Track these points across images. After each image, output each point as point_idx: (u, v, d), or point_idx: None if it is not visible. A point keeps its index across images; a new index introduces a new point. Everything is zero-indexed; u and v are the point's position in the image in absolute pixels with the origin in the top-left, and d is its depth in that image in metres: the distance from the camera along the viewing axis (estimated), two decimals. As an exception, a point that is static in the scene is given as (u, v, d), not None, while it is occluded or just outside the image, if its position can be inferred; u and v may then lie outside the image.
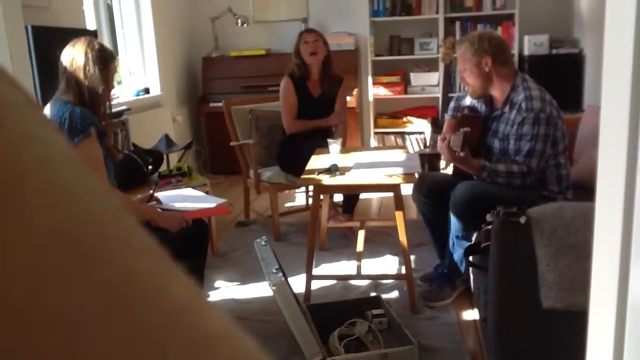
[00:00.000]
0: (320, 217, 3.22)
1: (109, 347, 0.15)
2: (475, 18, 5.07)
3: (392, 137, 5.35)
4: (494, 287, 1.88)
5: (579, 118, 3.23)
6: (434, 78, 5.19)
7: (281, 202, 4.05)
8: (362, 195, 3.97)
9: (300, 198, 4.43)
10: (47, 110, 2.16)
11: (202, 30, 5.53)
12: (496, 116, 2.58)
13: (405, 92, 5.27)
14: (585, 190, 2.33)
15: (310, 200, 3.52)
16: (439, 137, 2.65)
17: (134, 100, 4.36)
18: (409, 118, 5.32)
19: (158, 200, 2.51)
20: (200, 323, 0.17)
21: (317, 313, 2.29)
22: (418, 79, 5.23)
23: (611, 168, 0.83)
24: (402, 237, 2.56)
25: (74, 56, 2.15)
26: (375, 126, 5.34)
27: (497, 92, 2.57)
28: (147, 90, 4.73)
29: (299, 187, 3.80)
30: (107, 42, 4.24)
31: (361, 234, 3.10)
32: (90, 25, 4.03)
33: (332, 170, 2.69)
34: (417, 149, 5.18)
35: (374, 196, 4.39)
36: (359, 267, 2.90)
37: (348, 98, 4.18)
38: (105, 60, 2.18)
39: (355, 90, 5.09)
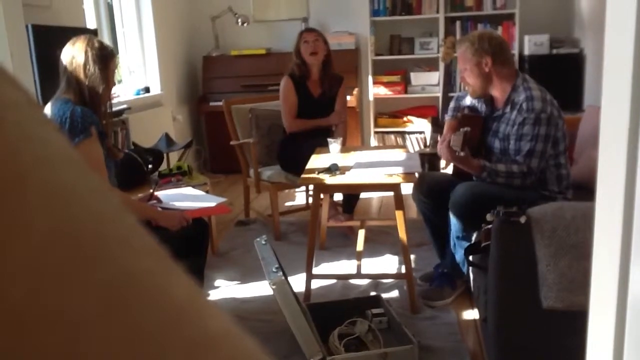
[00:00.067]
0: (320, 216, 3.22)
1: (109, 347, 0.15)
2: (475, 18, 5.07)
3: (392, 136, 5.35)
4: (494, 287, 1.88)
5: (579, 118, 3.23)
6: (434, 78, 5.19)
7: (281, 201, 4.05)
8: (362, 195, 3.97)
9: (300, 197, 4.43)
10: (48, 109, 2.15)
11: (203, 29, 5.53)
12: (497, 116, 2.58)
13: (406, 92, 5.27)
14: (585, 190, 2.33)
15: (311, 200, 3.53)
16: (438, 138, 2.65)
17: (134, 99, 4.36)
18: (409, 117, 5.32)
19: (158, 199, 2.50)
20: (201, 323, 0.17)
21: (317, 312, 2.29)
22: (418, 78, 5.23)
23: (611, 168, 0.83)
24: (402, 237, 2.56)
25: (74, 55, 2.14)
26: (376, 126, 5.34)
27: (498, 92, 2.57)
28: (147, 89, 4.73)
29: (299, 186, 3.80)
30: (107, 41, 4.23)
31: (361, 234, 3.10)
32: (91, 24, 4.03)
33: (332, 169, 2.69)
34: (417, 148, 5.18)
35: (374, 195, 4.39)
36: (359, 267, 2.90)
37: (348, 97, 4.18)
38: (106, 58, 2.18)
39: (356, 89, 5.09)
